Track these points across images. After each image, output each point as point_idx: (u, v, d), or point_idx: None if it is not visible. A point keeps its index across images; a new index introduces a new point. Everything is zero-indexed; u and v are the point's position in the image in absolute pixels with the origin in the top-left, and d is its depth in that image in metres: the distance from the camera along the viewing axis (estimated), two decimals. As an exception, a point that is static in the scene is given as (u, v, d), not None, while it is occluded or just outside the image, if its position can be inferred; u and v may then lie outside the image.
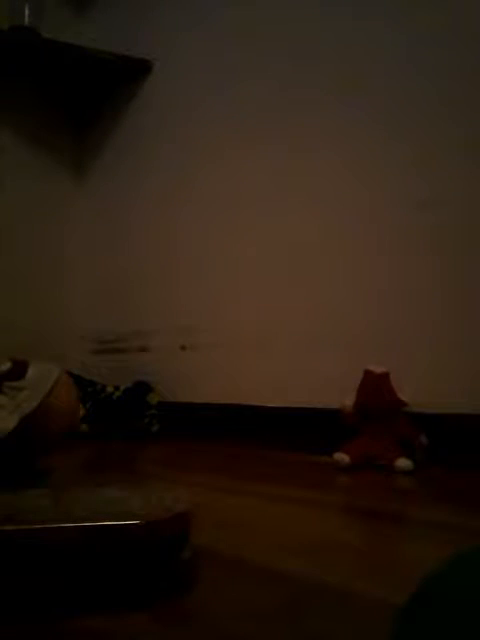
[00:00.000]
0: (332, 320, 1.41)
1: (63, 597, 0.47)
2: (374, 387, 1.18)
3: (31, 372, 0.97)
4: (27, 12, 1.68)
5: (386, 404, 1.18)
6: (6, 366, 0.98)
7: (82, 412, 1.62)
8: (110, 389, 1.71)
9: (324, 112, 1.44)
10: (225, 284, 1.63)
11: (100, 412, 1.67)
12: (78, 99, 2.00)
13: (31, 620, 0.44)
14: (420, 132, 1.29)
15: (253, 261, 1.57)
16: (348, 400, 1.20)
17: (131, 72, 1.85)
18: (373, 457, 1.15)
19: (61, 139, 2.01)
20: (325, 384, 1.38)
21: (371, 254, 1.36)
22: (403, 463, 1.10)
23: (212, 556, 0.60)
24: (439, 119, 1.27)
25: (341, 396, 1.22)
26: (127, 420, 1.66)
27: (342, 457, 1.14)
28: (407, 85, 1.31)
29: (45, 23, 1.73)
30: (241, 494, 0.94)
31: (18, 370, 0.96)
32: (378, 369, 1.19)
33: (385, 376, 1.18)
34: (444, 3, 1.26)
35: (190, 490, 0.94)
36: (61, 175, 2.02)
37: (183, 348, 1.72)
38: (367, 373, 1.19)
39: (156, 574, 0.49)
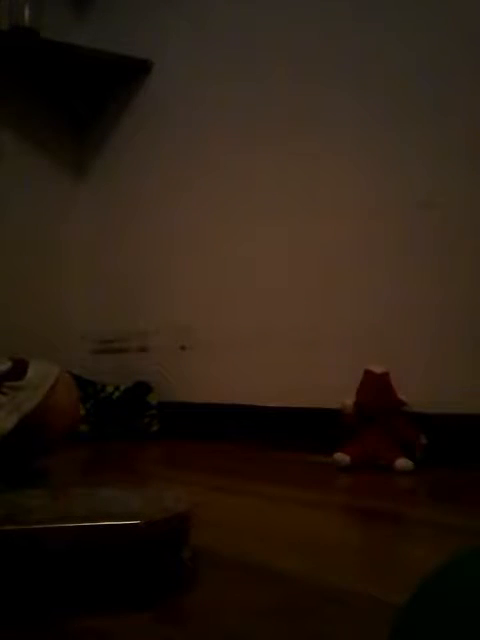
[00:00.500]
0: (332, 320, 1.41)
1: (63, 597, 0.47)
2: (374, 387, 1.18)
3: (31, 372, 0.96)
4: (27, 12, 1.68)
5: (386, 404, 1.18)
6: (6, 366, 0.98)
7: (82, 412, 1.62)
8: (110, 389, 1.71)
9: (324, 113, 1.44)
10: (225, 284, 1.63)
11: (100, 412, 1.67)
12: (78, 99, 2.00)
13: (31, 620, 0.44)
14: (421, 132, 1.29)
15: (253, 261, 1.57)
16: (348, 400, 1.20)
17: (131, 72, 1.85)
18: (373, 457, 1.15)
19: (61, 139, 2.01)
20: (325, 384, 1.38)
21: (371, 254, 1.36)
22: (403, 463, 1.10)
23: (212, 556, 0.60)
24: (440, 119, 1.26)
25: (341, 396, 1.22)
26: (127, 420, 1.66)
27: (342, 457, 1.14)
28: (408, 85, 1.31)
29: (45, 23, 1.73)
30: (241, 494, 0.94)
31: (18, 370, 0.96)
32: (378, 369, 1.19)
33: (385, 376, 1.18)
34: (445, 3, 1.26)
35: (190, 490, 0.94)
36: (61, 175, 2.02)
37: (183, 348, 1.72)
38: (367, 373, 1.19)
39: (156, 574, 0.49)
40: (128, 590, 0.48)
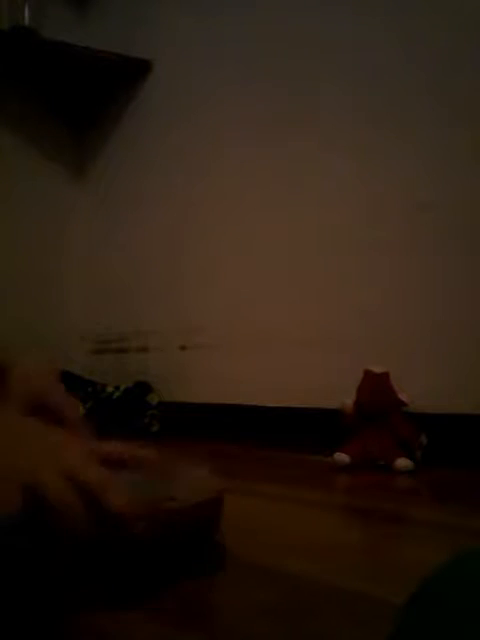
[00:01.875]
0: (332, 320, 1.41)
1: (64, 594, 0.47)
2: (374, 387, 1.18)
3: None
4: (27, 12, 1.68)
5: (386, 404, 1.18)
6: None
7: (82, 412, 1.62)
8: (110, 389, 1.71)
9: (326, 113, 1.44)
10: (225, 284, 1.63)
11: (100, 412, 1.67)
12: (78, 99, 2.00)
13: (30, 620, 0.44)
14: (422, 133, 1.29)
15: (253, 261, 1.57)
16: (348, 400, 1.20)
17: (131, 72, 1.85)
18: (373, 457, 1.15)
19: (61, 139, 2.01)
20: (325, 384, 1.38)
21: (371, 255, 1.36)
22: (403, 463, 1.10)
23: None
24: (441, 119, 1.26)
25: (341, 396, 1.22)
26: (127, 420, 1.66)
27: (342, 457, 1.14)
28: (408, 85, 1.31)
29: (45, 23, 1.73)
30: (241, 494, 0.94)
31: None
32: (378, 369, 1.19)
33: (385, 376, 1.18)
34: (447, 4, 1.26)
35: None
36: (61, 175, 2.01)
37: (183, 348, 1.72)
38: (367, 373, 1.19)
39: (193, 554, 0.48)
40: (156, 573, 0.47)
